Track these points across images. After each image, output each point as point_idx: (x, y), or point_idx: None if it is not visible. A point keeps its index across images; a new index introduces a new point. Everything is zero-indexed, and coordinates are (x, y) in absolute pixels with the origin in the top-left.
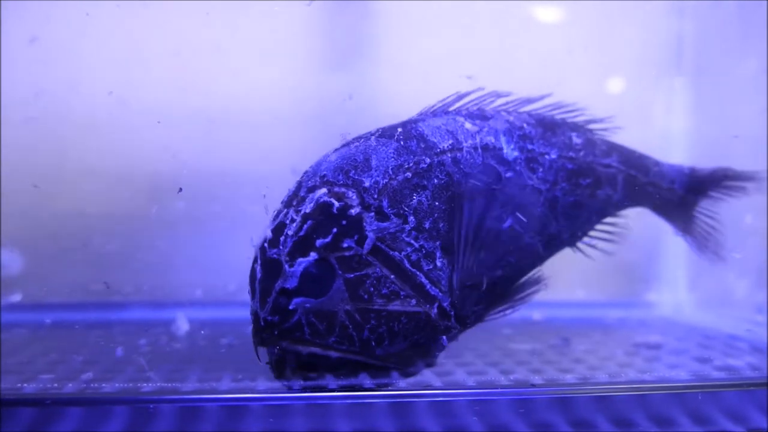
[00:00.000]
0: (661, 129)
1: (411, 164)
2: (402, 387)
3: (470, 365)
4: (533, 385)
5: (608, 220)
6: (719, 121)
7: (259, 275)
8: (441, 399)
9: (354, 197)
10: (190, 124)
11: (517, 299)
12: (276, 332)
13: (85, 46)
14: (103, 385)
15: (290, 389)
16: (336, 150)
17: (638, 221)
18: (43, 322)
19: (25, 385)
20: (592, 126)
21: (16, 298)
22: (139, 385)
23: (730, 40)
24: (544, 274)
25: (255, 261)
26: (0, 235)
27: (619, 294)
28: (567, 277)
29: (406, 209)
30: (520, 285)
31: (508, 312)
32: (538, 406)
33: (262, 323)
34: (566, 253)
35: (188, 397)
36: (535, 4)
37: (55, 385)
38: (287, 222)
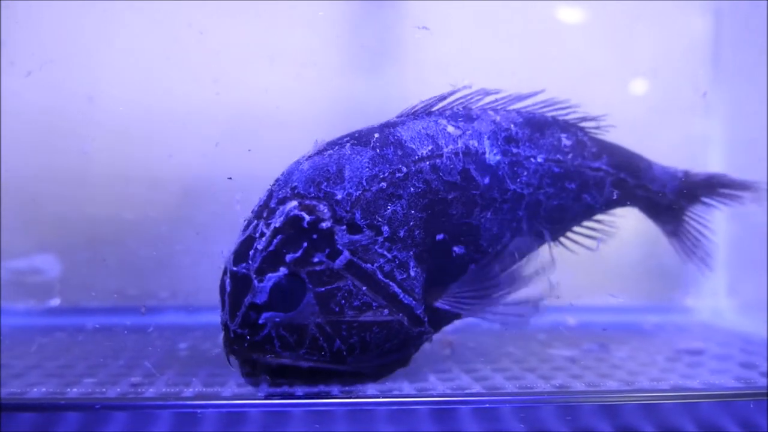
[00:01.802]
0: (697, 132)
1: (386, 174)
2: (443, 392)
3: (507, 370)
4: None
5: (597, 217)
6: (756, 124)
7: (228, 288)
8: (486, 406)
9: (325, 210)
10: (221, 129)
11: (495, 297)
12: (246, 344)
13: (116, 52)
14: (147, 389)
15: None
16: (309, 157)
17: None
18: (81, 326)
19: (69, 389)
20: (584, 124)
21: (55, 302)
22: (180, 389)
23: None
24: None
25: (225, 273)
26: (37, 241)
27: (656, 299)
28: (602, 282)
29: (380, 220)
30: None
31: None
32: (583, 413)
33: (232, 335)
34: (599, 258)
35: (230, 402)
36: (566, 5)
37: (103, 389)
38: (257, 236)
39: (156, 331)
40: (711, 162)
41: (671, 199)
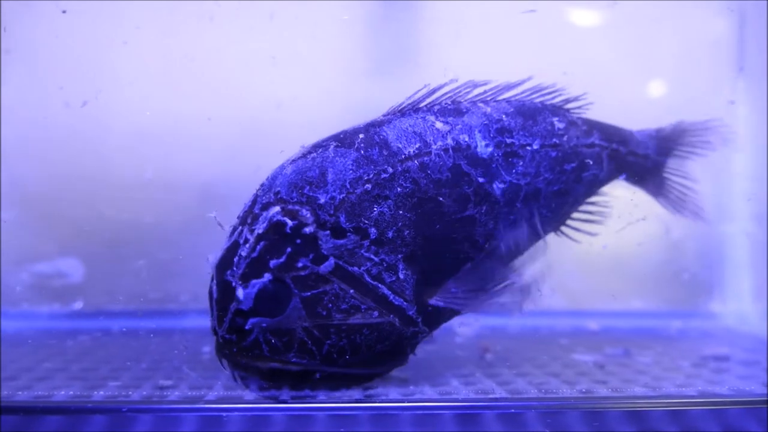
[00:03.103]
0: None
1: (371, 175)
2: (468, 397)
3: (529, 375)
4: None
5: (591, 199)
6: None
7: (215, 295)
8: (511, 411)
9: (308, 215)
10: (239, 133)
11: (494, 291)
12: (235, 349)
13: (136, 57)
14: (171, 392)
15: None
16: (293, 161)
17: (699, 230)
18: (104, 329)
19: (95, 392)
20: (569, 105)
21: (78, 305)
22: (203, 392)
23: None
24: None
25: (212, 279)
26: (61, 245)
27: (680, 304)
28: (624, 287)
29: (366, 222)
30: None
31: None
32: (609, 419)
33: (221, 340)
34: (622, 262)
35: (253, 406)
36: (586, 6)
37: (130, 392)
38: (241, 242)
39: (178, 334)
40: (735, 165)
41: (654, 158)
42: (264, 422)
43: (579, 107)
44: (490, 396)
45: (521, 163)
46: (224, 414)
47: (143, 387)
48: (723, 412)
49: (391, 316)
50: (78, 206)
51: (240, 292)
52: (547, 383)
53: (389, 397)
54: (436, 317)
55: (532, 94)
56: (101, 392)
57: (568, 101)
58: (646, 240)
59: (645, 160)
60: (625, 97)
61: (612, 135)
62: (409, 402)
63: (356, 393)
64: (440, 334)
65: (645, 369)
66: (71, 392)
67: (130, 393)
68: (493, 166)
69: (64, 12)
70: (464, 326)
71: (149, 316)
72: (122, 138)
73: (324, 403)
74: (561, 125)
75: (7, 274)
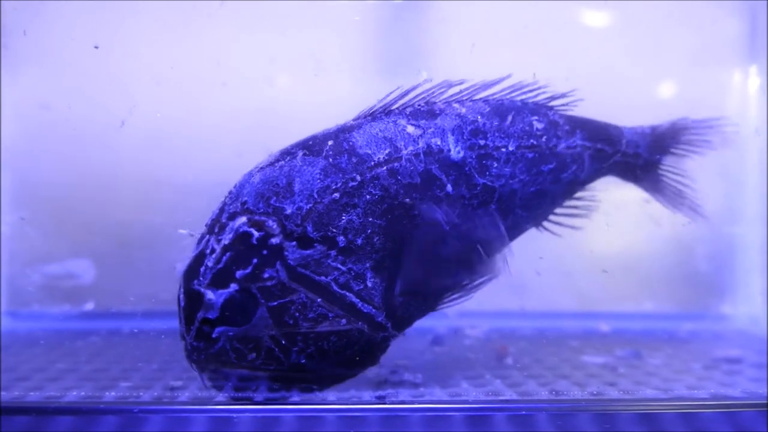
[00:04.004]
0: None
1: (339, 184)
2: (477, 399)
3: (540, 377)
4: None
5: (578, 194)
6: None
7: (182, 303)
8: (522, 413)
9: (275, 226)
10: (250, 134)
11: (470, 288)
12: (203, 356)
13: (147, 58)
14: (182, 393)
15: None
16: (261, 169)
17: (711, 232)
18: (115, 330)
19: (106, 393)
20: (554, 103)
21: (89, 306)
22: (213, 393)
23: None
24: (500, 261)
25: (180, 287)
26: (71, 246)
27: (691, 306)
28: (634, 288)
29: (334, 231)
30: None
31: (460, 301)
32: (620, 421)
33: (189, 347)
34: (632, 263)
35: (263, 407)
36: (595, 6)
37: (140, 393)
38: (207, 252)
39: None
40: (747, 165)
41: (646, 157)
42: (274, 423)
43: (566, 105)
44: (501, 398)
45: (495, 165)
46: (234, 415)
47: (154, 388)
48: (735, 414)
49: (360, 323)
50: (89, 207)
51: (206, 302)
52: (558, 385)
53: (400, 398)
54: (407, 320)
55: (512, 92)
56: (112, 393)
57: (553, 99)
58: (658, 243)
59: (636, 158)
60: (635, 96)
61: (597, 134)
62: (419, 404)
63: (367, 395)
64: (451, 336)
65: (656, 371)
66: (83, 393)
67: (140, 394)
68: (466, 169)
69: (96, 47)
70: (475, 328)
71: (160, 317)
72: (133, 139)
73: (334, 404)
74: (540, 125)
75: (18, 275)
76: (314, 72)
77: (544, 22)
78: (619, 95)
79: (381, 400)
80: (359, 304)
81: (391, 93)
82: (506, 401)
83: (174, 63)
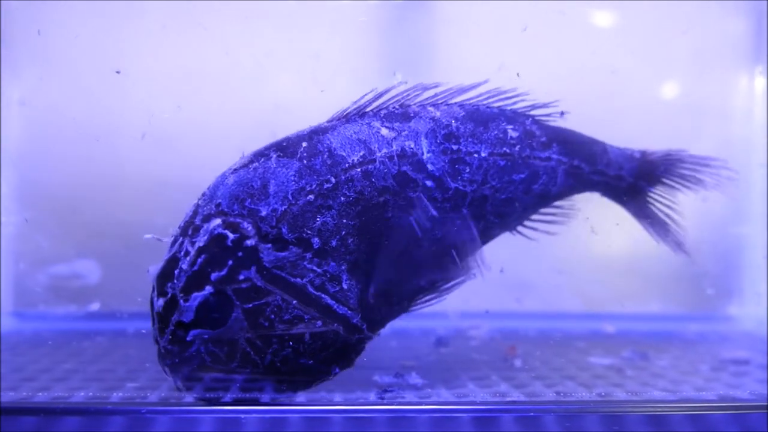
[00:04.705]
0: (737, 136)
1: (314, 186)
2: (486, 400)
3: (546, 378)
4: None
5: (557, 203)
6: None
7: (156, 306)
8: (530, 414)
9: (250, 228)
10: (255, 134)
11: (443, 289)
12: (177, 360)
13: (154, 58)
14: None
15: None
16: (234, 170)
17: (717, 232)
18: (121, 331)
19: (113, 393)
20: (535, 112)
21: (95, 306)
22: (220, 394)
23: None
24: (474, 263)
25: (153, 290)
26: (77, 247)
27: (698, 307)
28: (640, 289)
29: (309, 233)
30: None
31: (434, 302)
32: (628, 422)
33: (162, 350)
34: (638, 264)
35: (270, 408)
36: (600, 6)
37: (147, 393)
38: (181, 255)
39: None
40: (753, 165)
41: (630, 181)
42: (281, 424)
43: (548, 115)
44: (508, 399)
45: (468, 170)
46: (242, 415)
47: (160, 388)
48: (743, 416)
49: (335, 324)
50: (95, 208)
51: (181, 305)
52: (565, 386)
53: (406, 399)
54: (381, 321)
55: (488, 98)
56: (119, 393)
57: (534, 107)
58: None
59: (618, 180)
60: (640, 97)
61: (576, 150)
62: (426, 405)
63: (373, 396)
64: (456, 337)
65: (663, 372)
66: (90, 393)
67: (147, 394)
68: (438, 173)
69: (118, 72)
70: (480, 329)
71: None
72: (138, 140)
73: (341, 405)
74: (515, 134)
75: (24, 275)
76: (320, 71)
77: (545, 22)
78: (624, 96)
79: (388, 401)
80: (335, 306)
81: (365, 95)
82: (513, 402)
83: (177, 64)
